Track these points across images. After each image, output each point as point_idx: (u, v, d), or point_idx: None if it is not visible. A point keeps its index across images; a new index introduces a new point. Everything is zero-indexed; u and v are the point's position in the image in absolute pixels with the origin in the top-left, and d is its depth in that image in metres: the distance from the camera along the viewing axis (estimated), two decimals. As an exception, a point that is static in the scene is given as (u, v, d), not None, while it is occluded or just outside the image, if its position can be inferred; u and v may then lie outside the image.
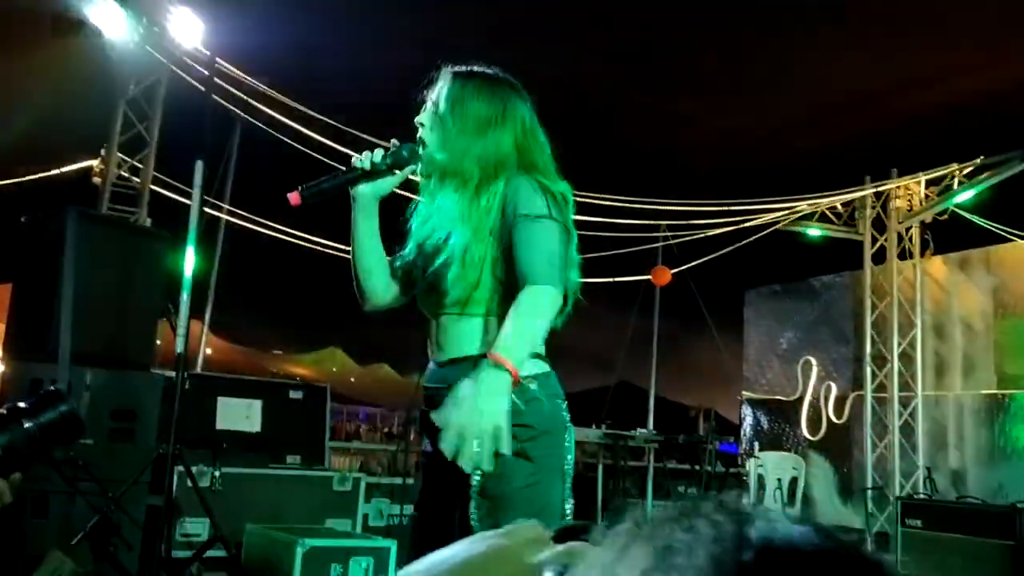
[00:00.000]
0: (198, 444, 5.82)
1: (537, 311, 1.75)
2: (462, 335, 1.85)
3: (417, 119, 1.93)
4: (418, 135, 1.92)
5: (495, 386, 1.65)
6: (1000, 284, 6.60)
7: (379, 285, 1.99)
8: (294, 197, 1.84)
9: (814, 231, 7.73)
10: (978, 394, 6.71)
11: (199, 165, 5.11)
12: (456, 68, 1.94)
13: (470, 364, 1.77)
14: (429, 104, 1.93)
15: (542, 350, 1.86)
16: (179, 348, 4.83)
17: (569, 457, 1.87)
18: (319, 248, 7.60)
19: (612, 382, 11.72)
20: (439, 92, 1.92)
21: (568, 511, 1.89)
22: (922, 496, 6.27)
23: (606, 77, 6.64)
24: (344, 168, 1.96)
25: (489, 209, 1.84)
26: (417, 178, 1.99)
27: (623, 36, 6.31)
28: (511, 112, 1.91)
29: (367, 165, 1.88)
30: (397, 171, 1.90)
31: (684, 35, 6.24)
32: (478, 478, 1.74)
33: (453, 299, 1.85)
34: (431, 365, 1.94)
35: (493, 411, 1.63)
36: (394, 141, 1.91)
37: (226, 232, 8.39)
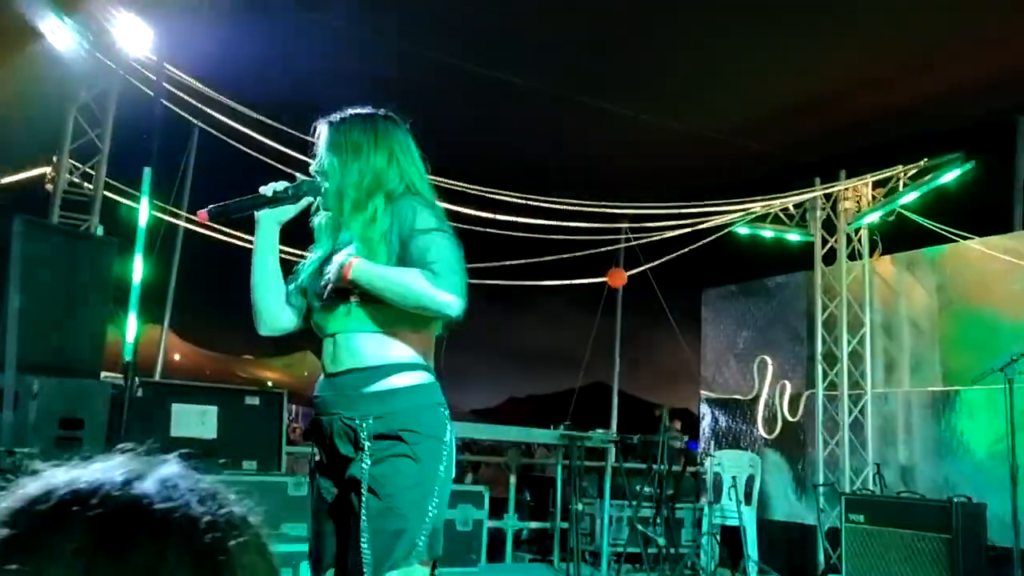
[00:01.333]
0: (152, 452, 5.84)
1: (420, 287, 1.91)
2: (356, 349, 2.02)
3: (312, 170, 2.17)
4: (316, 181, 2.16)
5: (339, 260, 2.01)
6: (944, 283, 6.75)
7: (273, 306, 2.15)
8: (202, 215, 2.10)
9: (767, 232, 7.86)
10: (925, 391, 6.86)
11: (147, 172, 5.14)
12: (330, 118, 2.18)
13: (365, 374, 1.92)
14: (322, 150, 2.16)
15: (430, 363, 2.03)
16: (127, 355, 4.85)
17: (448, 460, 1.99)
18: (283, 255, 7.61)
19: (584, 383, 11.85)
20: (322, 142, 2.16)
21: (432, 513, 1.94)
22: (867, 492, 6.40)
23: (555, 79, 6.71)
24: (253, 194, 2.14)
25: (374, 222, 2.03)
26: (311, 219, 2.20)
27: (572, 37, 6.37)
28: (383, 136, 2.14)
29: (269, 193, 2.10)
30: (297, 201, 2.12)
31: (633, 37, 6.31)
32: (366, 470, 1.88)
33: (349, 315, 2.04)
34: (321, 378, 2.10)
35: (336, 266, 2.01)
36: (299, 176, 2.16)
37: (189, 238, 8.37)
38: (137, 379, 6.15)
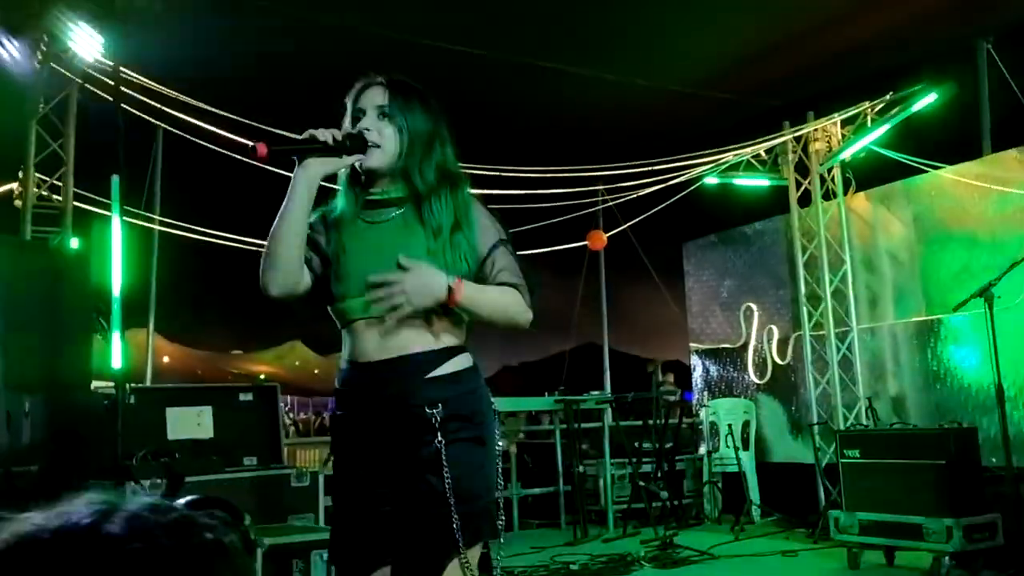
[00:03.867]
0: (154, 457, 5.84)
1: (517, 309, 1.99)
2: (411, 335, 1.95)
3: (360, 126, 1.99)
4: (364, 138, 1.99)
5: (434, 281, 1.89)
6: (920, 214, 6.81)
7: (295, 264, 1.95)
8: (262, 148, 1.85)
9: (742, 180, 7.88)
10: (910, 322, 6.95)
11: (115, 180, 5.09)
12: (391, 79, 2.04)
13: (429, 357, 1.95)
14: (371, 111, 2.01)
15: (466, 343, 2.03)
16: (115, 364, 4.84)
17: (499, 438, 2.06)
18: (254, 247, 7.58)
19: (575, 345, 11.92)
20: (380, 100, 2.01)
21: (499, 490, 2.03)
22: (860, 427, 6.49)
23: (513, 46, 6.66)
24: (307, 138, 1.95)
25: (442, 224, 1.97)
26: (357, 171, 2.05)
27: (527, 2, 6.32)
28: (447, 127, 2.08)
29: (329, 139, 1.92)
30: (347, 155, 1.96)
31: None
32: (443, 453, 1.87)
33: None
34: (351, 368, 2.00)
35: (429, 288, 1.88)
36: (346, 126, 2.01)
37: (165, 241, 8.32)
38: (128, 387, 6.17)
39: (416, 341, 1.93)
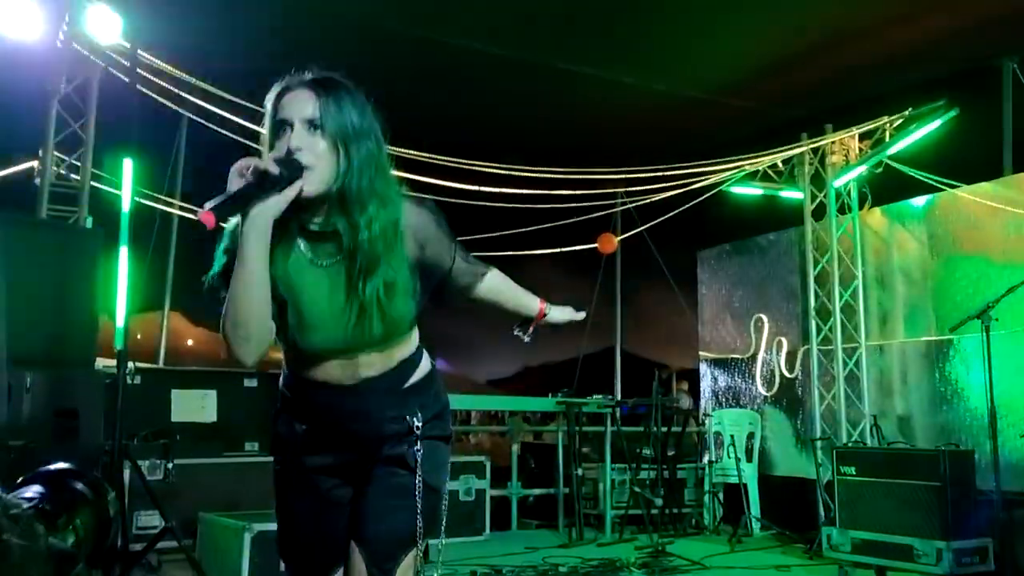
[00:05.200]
0: (154, 437, 5.93)
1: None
2: (382, 356, 1.91)
3: (290, 144, 1.72)
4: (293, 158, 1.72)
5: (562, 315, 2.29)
6: (935, 232, 6.73)
7: (265, 331, 1.76)
8: (208, 217, 1.61)
9: (758, 190, 7.84)
10: (919, 341, 6.87)
11: (127, 163, 5.17)
12: (317, 79, 1.79)
13: (401, 368, 1.95)
14: (299, 123, 1.73)
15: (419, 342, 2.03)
16: (118, 344, 4.92)
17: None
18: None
19: (594, 348, 11.91)
20: (309, 111, 1.74)
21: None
22: (859, 444, 6.43)
23: (535, 47, 6.68)
24: (246, 183, 1.68)
25: (392, 238, 1.81)
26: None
27: (551, 5, 6.33)
28: (378, 121, 1.84)
29: (263, 175, 1.67)
30: (287, 187, 1.69)
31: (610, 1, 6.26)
32: (416, 453, 1.90)
33: (382, 335, 1.86)
34: (315, 388, 1.91)
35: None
36: (275, 154, 1.72)
37: (195, 224, 8.41)
38: (134, 366, 6.26)
39: (387, 363, 1.93)
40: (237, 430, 6.42)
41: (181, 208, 8.25)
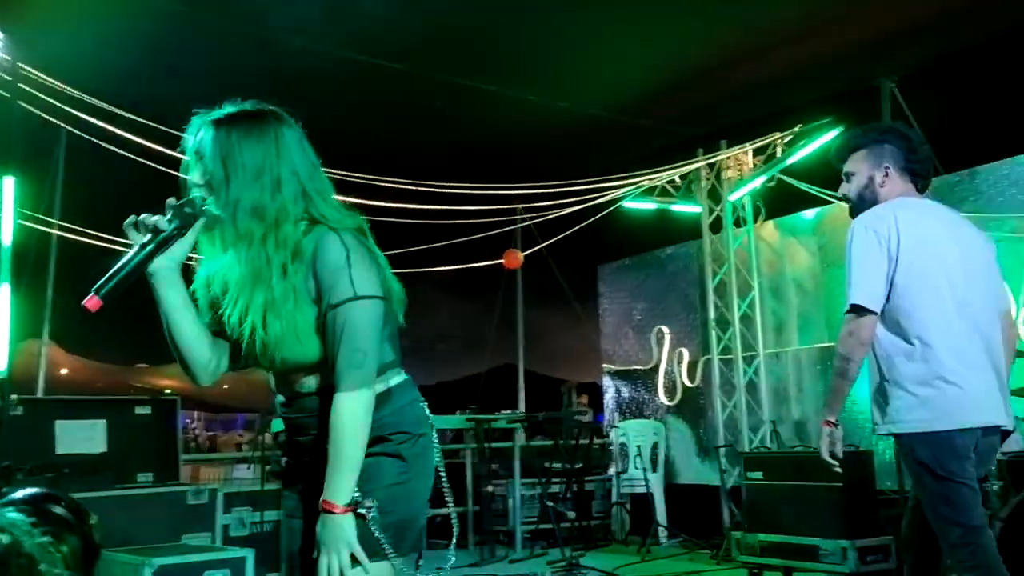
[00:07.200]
0: (39, 471, 5.54)
1: (350, 433, 1.77)
2: (302, 380, 1.89)
3: (188, 179, 1.82)
4: (191, 193, 1.82)
5: (339, 536, 1.76)
6: (824, 244, 7.04)
7: (204, 356, 1.88)
8: (93, 302, 1.66)
9: (656, 205, 8.01)
10: (813, 348, 7.14)
11: (9, 182, 4.85)
12: (213, 115, 1.84)
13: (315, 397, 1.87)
14: (193, 158, 1.83)
15: (398, 356, 1.93)
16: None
17: (437, 452, 1.97)
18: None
19: (492, 365, 11.88)
20: (202, 145, 1.82)
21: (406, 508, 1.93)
22: (764, 450, 6.63)
23: (432, 62, 6.64)
24: (131, 250, 1.75)
25: (285, 266, 1.79)
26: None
27: (452, 23, 6.31)
28: (284, 149, 1.83)
29: (155, 233, 1.75)
30: (189, 232, 1.78)
31: (514, 17, 6.29)
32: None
33: (291, 364, 1.85)
34: (279, 398, 1.96)
35: (345, 557, 1.77)
36: (170, 201, 1.78)
37: (65, 246, 7.96)
38: (16, 397, 5.85)
39: (308, 383, 1.90)
40: (129, 460, 6.06)
41: (60, 228, 7.80)
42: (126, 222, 1.76)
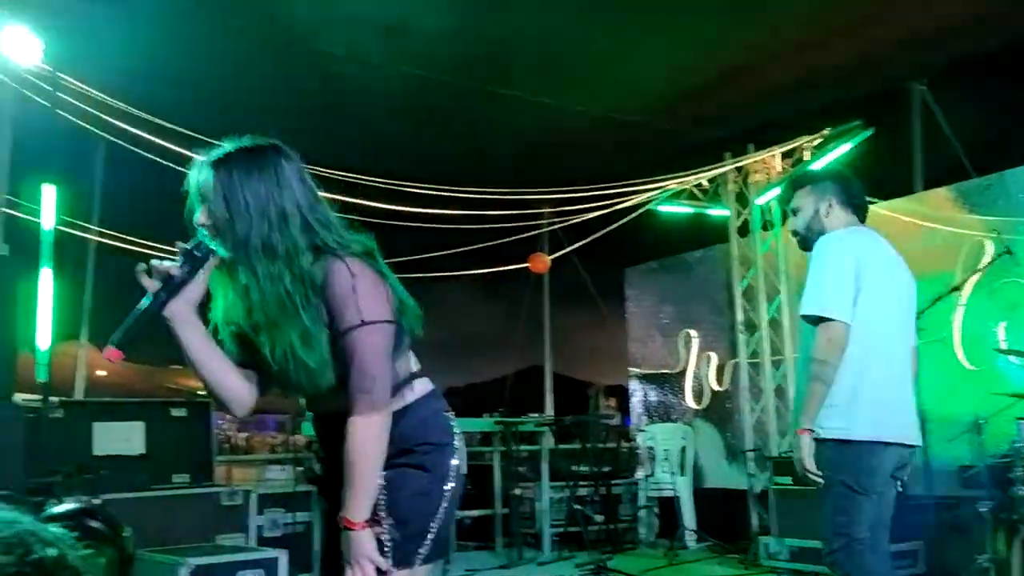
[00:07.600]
0: (78, 473, 5.67)
1: (362, 456, 1.83)
2: (333, 401, 1.92)
3: (196, 222, 1.85)
4: (198, 235, 1.85)
5: (359, 551, 1.85)
6: (853, 247, 6.99)
7: (237, 388, 1.93)
8: (112, 353, 1.76)
9: (684, 208, 8.02)
10: (841, 352, 7.10)
11: (49, 190, 4.99)
12: (213, 155, 1.87)
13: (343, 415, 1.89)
14: (197, 200, 1.86)
15: (418, 368, 2.00)
16: (40, 376, 4.72)
17: (461, 460, 2.01)
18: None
19: (520, 367, 11.94)
20: (204, 187, 1.84)
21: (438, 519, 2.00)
22: (791, 454, 6.61)
23: (463, 71, 6.71)
24: (150, 296, 1.80)
25: (307, 297, 1.83)
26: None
27: (479, 29, 6.37)
28: (285, 182, 1.85)
29: (168, 279, 1.79)
30: (200, 272, 1.83)
31: (540, 23, 6.34)
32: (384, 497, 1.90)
33: (325, 388, 1.90)
34: (310, 414, 2.10)
35: (369, 570, 1.85)
36: (180, 245, 1.83)
37: (102, 252, 8.15)
38: (57, 399, 5.99)
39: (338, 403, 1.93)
40: (165, 461, 6.20)
41: (99, 234, 7.98)
42: (137, 268, 1.78)
